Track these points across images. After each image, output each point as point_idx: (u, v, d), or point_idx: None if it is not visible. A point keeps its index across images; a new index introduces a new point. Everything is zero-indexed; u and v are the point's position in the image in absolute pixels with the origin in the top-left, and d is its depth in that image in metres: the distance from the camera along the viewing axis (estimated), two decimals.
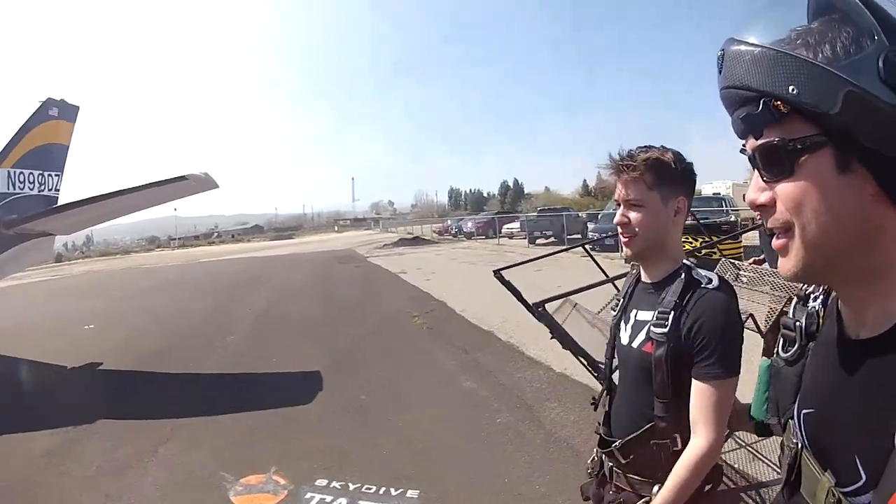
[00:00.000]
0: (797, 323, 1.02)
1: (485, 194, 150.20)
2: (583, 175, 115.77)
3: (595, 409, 2.21)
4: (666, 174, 1.78)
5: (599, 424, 2.07)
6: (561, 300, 4.02)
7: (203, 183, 10.07)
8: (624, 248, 1.89)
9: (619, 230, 1.87)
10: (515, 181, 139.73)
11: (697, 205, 23.78)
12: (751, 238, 12.16)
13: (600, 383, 2.31)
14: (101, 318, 14.73)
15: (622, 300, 2.03)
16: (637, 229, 1.81)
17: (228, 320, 13.14)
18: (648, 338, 1.78)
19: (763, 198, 0.82)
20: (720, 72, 0.81)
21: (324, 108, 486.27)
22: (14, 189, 11.77)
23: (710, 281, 1.75)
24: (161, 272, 32.40)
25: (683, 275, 1.78)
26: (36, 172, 12.42)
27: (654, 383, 1.75)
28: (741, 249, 14.03)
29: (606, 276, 3.78)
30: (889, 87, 0.69)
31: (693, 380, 1.68)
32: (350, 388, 7.40)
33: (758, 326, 3.59)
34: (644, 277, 1.94)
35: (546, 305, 3.19)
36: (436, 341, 9.72)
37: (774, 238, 0.83)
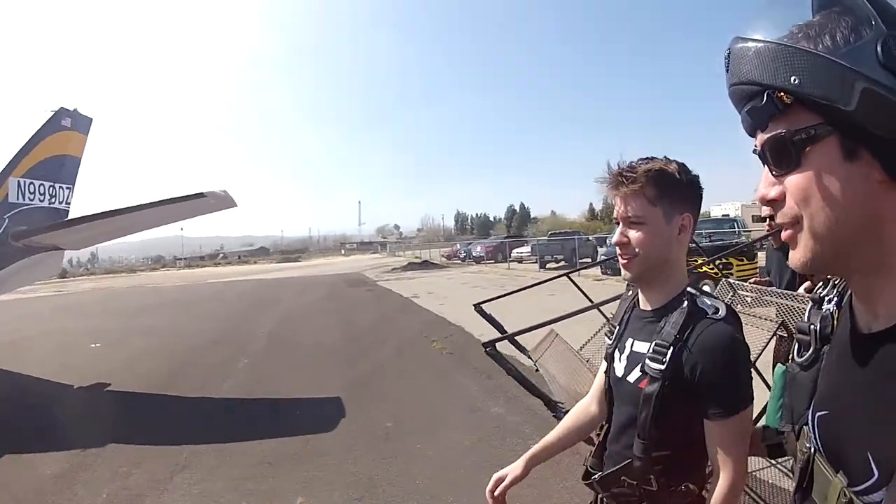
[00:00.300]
0: (812, 326, 1.02)
1: (491, 218, 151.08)
2: (589, 199, 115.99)
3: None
4: (669, 187, 1.62)
5: (590, 455, 1.92)
6: (548, 328, 3.82)
7: (221, 201, 9.74)
8: (623, 271, 1.72)
9: (618, 251, 1.71)
10: (522, 205, 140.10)
11: (709, 227, 24.48)
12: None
13: (558, 420, 2.30)
14: (107, 337, 14.46)
15: (617, 327, 1.86)
16: (637, 249, 1.64)
17: (240, 343, 12.77)
18: (644, 373, 1.62)
19: (773, 192, 0.83)
20: (727, 70, 0.83)
21: (331, 133, 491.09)
22: (24, 200, 11.53)
23: (717, 311, 1.57)
24: (168, 292, 32.40)
25: (686, 303, 1.61)
26: (47, 184, 12.19)
27: (637, 420, 1.62)
28: (756, 270, 13.87)
29: (591, 301, 3.62)
30: (889, 72, 0.69)
31: (705, 421, 1.53)
32: (374, 414, 7.02)
33: (787, 330, 3.43)
34: (642, 303, 1.77)
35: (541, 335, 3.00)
36: (458, 367, 9.29)
37: (783, 230, 0.84)
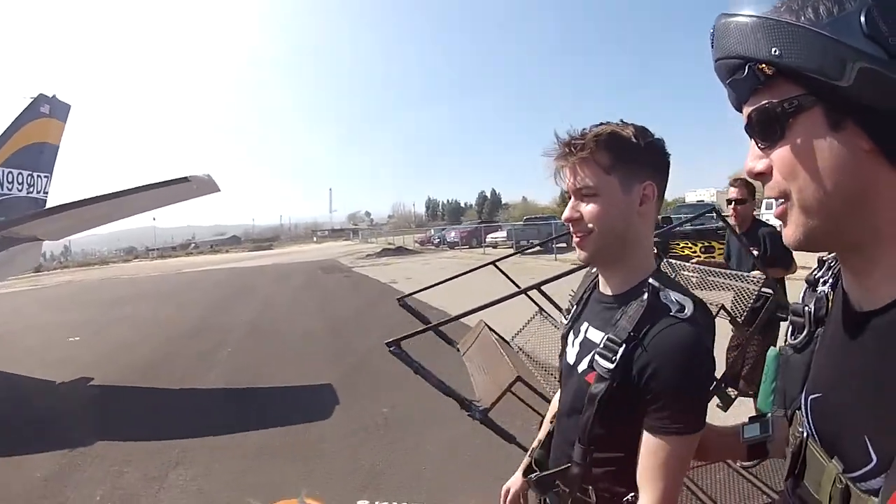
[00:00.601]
0: (806, 308, 1.01)
1: (462, 204, 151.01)
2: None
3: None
4: (625, 152, 1.38)
5: (538, 446, 1.77)
6: (479, 321, 3.77)
7: (205, 185, 9.51)
8: (577, 251, 1.48)
9: (571, 228, 1.47)
10: (493, 191, 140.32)
11: (686, 212, 24.61)
12: None
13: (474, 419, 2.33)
14: (85, 330, 14.12)
15: (575, 306, 1.66)
16: (591, 225, 1.42)
17: (221, 332, 12.48)
18: (591, 367, 1.41)
19: (760, 165, 0.81)
20: (712, 46, 0.83)
21: (300, 121, 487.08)
22: (2, 190, 11.21)
23: (682, 309, 1.33)
24: (143, 282, 32.02)
25: (646, 295, 1.37)
26: (25, 173, 11.89)
27: (580, 417, 1.42)
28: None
29: (517, 286, 3.35)
30: (874, 42, 0.68)
31: (644, 431, 1.32)
32: (369, 402, 6.83)
33: (730, 315, 3.28)
34: (602, 286, 1.55)
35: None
36: (447, 350, 9.12)
37: (774, 205, 0.83)
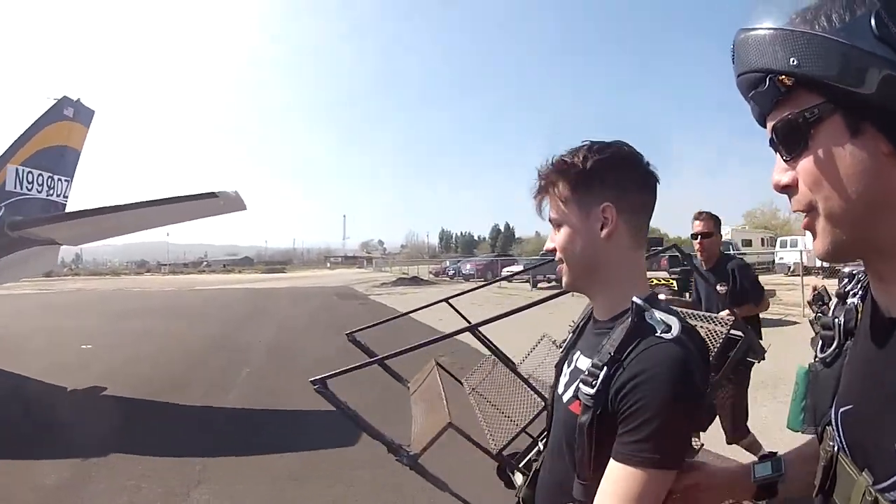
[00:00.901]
0: (836, 320, 1.00)
1: (475, 237, 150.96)
2: None
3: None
4: (578, 177, 1.36)
5: (524, 485, 1.74)
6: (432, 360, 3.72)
7: (232, 203, 9.36)
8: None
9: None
10: (507, 225, 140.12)
11: None
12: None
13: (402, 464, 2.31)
14: (98, 339, 13.98)
15: (572, 335, 1.61)
16: (560, 255, 1.42)
17: (239, 351, 12.26)
18: (576, 395, 1.32)
19: (786, 178, 0.81)
20: (733, 62, 0.84)
21: (316, 145, 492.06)
22: (21, 189, 11.07)
23: (668, 329, 1.23)
24: (157, 296, 32.13)
25: (631, 317, 1.27)
26: (45, 174, 11.74)
27: (574, 456, 1.30)
28: None
29: (468, 322, 3.23)
30: (886, 44, 0.68)
31: (611, 458, 1.18)
32: (401, 426, 6.54)
33: None
34: (595, 312, 1.50)
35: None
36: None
37: (804, 218, 0.82)
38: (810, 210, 0.79)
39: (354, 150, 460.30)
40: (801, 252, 22.56)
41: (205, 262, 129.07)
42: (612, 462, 1.17)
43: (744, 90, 0.83)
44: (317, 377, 2.39)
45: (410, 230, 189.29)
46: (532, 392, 3.17)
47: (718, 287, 4.44)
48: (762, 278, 8.50)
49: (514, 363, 3.64)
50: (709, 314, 3.36)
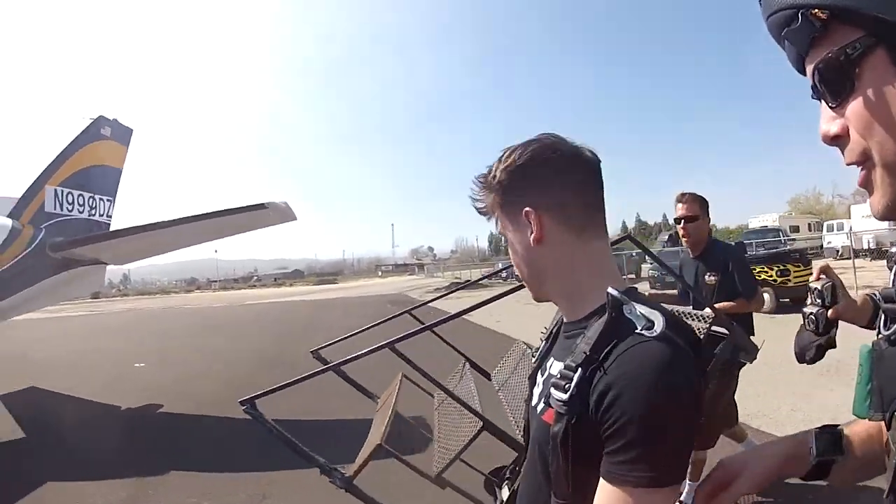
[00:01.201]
0: None
1: None
2: (622, 217, 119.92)
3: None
4: (500, 184, 1.27)
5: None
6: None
7: (281, 214, 9.35)
8: None
9: None
10: None
11: (754, 237, 24.84)
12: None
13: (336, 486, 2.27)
14: (151, 357, 14.21)
15: (545, 343, 1.48)
16: (513, 267, 1.35)
17: (293, 364, 12.10)
18: (548, 403, 1.17)
19: (835, 127, 0.73)
20: (761, 5, 0.78)
21: (363, 156, 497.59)
22: (62, 210, 11.23)
23: (651, 325, 1.07)
24: (208, 313, 32.65)
25: (608, 312, 1.11)
26: (86, 195, 11.94)
27: (550, 471, 1.16)
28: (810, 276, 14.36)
29: (421, 323, 3.31)
30: None
31: (601, 477, 1.03)
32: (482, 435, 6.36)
33: None
34: (565, 316, 1.34)
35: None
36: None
37: (859, 173, 0.73)
38: (865, 160, 0.72)
39: (399, 161, 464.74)
40: (848, 234, 23.01)
41: (255, 277, 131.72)
42: (602, 483, 1.03)
43: (775, 32, 0.76)
44: (245, 398, 2.32)
45: (460, 235, 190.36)
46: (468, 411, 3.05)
47: (707, 277, 4.12)
48: (814, 264, 8.35)
49: (487, 372, 3.80)
50: (686, 309, 3.14)
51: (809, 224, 43.85)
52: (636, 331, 1.06)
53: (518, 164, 1.23)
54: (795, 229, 40.37)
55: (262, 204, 8.92)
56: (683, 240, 4.38)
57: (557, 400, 1.09)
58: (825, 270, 1.98)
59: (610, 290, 1.12)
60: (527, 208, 1.22)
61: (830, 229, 35.62)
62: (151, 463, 5.95)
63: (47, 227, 10.57)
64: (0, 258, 9.44)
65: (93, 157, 12.17)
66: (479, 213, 1.33)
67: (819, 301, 1.93)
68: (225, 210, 9.37)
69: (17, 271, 9.76)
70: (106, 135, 12.54)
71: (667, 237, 36.24)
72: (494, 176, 1.26)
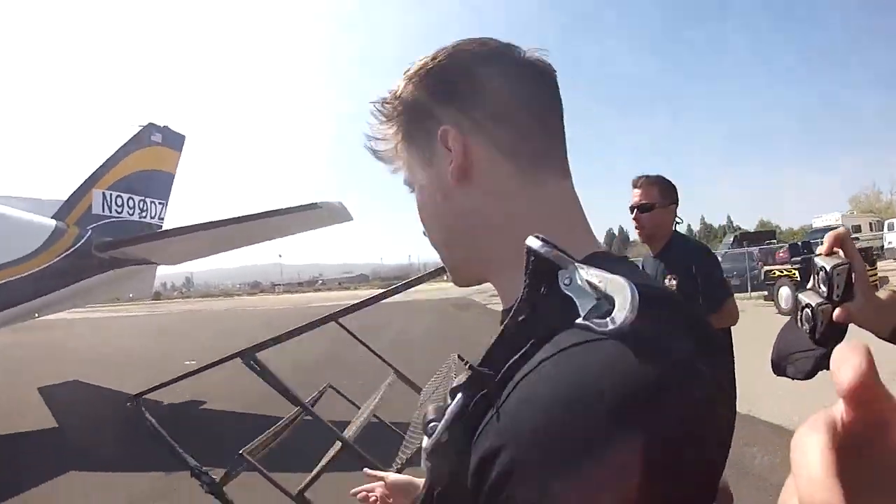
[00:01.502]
0: None
1: None
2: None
3: None
4: (402, 109, 0.86)
5: None
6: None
7: (336, 214, 9.53)
8: None
9: None
10: (620, 228, 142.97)
11: (819, 237, 24.42)
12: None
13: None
14: (203, 355, 13.92)
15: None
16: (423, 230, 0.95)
17: (351, 365, 11.81)
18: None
19: None
20: None
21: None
22: (110, 212, 11.71)
23: (606, 310, 0.56)
24: (269, 314, 33.15)
25: (525, 285, 0.63)
26: (136, 198, 12.44)
27: None
28: (877, 277, 14.44)
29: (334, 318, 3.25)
30: None
31: None
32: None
33: None
34: (503, 299, 0.86)
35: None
36: None
37: None
38: None
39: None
40: None
41: (320, 281, 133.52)
42: None
43: None
44: (133, 394, 2.33)
45: None
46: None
47: (667, 281, 3.32)
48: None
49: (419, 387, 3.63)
50: None
51: (871, 223, 42.92)
52: (576, 320, 0.59)
53: (430, 68, 0.84)
54: (857, 229, 39.36)
55: (315, 203, 9.04)
56: (637, 234, 3.66)
57: (425, 450, 0.65)
58: (841, 240, 1.18)
59: (531, 240, 0.64)
60: (444, 127, 0.81)
61: (891, 228, 34.67)
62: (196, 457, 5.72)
63: (94, 228, 11.05)
64: (43, 256, 9.85)
65: (143, 163, 12.69)
66: (380, 159, 0.93)
67: (825, 289, 1.17)
68: (275, 210, 9.46)
69: (61, 268, 10.17)
70: (157, 141, 13.07)
71: (731, 239, 35.20)
72: (400, 94, 0.87)
